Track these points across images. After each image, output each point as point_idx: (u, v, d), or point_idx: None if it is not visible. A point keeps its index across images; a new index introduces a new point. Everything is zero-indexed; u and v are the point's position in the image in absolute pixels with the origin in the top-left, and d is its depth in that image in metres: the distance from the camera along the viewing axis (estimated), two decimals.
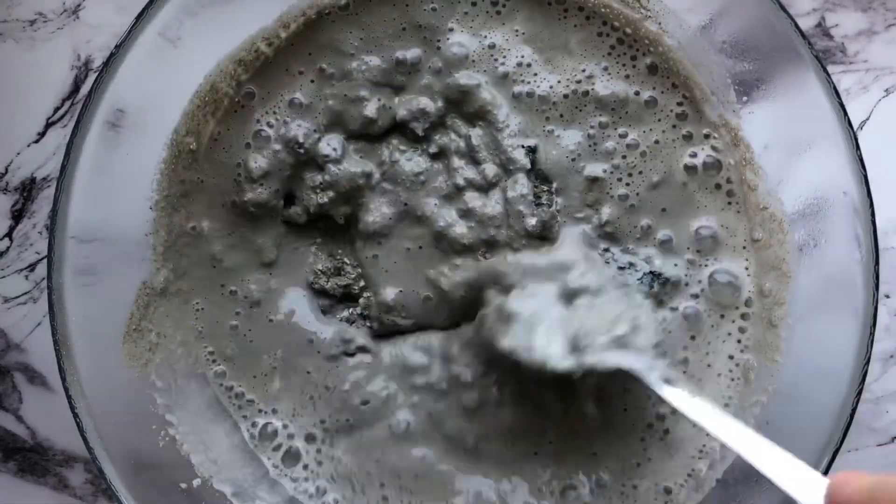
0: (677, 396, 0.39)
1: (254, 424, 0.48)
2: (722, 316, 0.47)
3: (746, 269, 0.47)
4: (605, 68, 0.47)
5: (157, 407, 0.46)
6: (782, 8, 0.41)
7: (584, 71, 0.47)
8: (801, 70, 0.42)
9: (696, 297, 0.47)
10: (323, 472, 0.48)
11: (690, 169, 0.47)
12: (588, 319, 0.42)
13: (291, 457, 0.48)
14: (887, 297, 0.52)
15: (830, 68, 0.51)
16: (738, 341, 0.47)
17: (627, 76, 0.47)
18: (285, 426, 0.48)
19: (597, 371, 0.41)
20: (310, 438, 0.48)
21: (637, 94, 0.47)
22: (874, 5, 0.52)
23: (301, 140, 0.47)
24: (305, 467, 0.48)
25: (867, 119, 0.52)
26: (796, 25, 0.41)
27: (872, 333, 0.41)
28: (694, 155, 0.47)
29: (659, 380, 0.40)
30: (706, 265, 0.47)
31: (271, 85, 0.47)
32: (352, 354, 0.49)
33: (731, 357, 0.47)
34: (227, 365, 0.49)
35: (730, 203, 0.47)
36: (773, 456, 0.34)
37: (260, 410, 0.49)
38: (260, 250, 0.48)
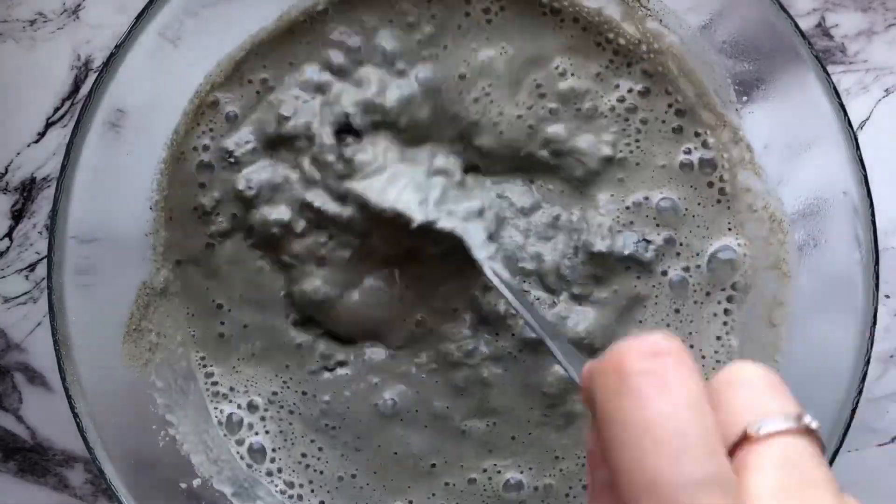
0: (496, 272, 0.42)
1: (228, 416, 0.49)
2: (708, 294, 0.47)
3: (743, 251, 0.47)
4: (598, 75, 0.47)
5: (157, 407, 0.46)
6: (782, 8, 0.41)
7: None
8: (801, 70, 0.42)
9: (686, 269, 0.47)
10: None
11: (686, 166, 0.47)
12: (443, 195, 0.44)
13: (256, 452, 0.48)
14: (887, 297, 0.52)
15: (830, 68, 0.51)
16: (724, 323, 0.47)
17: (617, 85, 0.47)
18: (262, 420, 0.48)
19: (434, 230, 0.43)
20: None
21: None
22: (874, 5, 0.52)
23: (231, 149, 0.46)
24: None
25: (867, 119, 0.52)
26: (796, 25, 0.41)
27: (872, 333, 0.41)
28: (689, 152, 0.47)
29: (485, 257, 0.43)
30: (709, 243, 0.47)
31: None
32: (332, 369, 0.48)
33: (718, 338, 0.47)
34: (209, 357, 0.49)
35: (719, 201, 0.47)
36: (557, 345, 0.37)
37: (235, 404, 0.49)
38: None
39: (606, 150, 0.46)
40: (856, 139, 0.41)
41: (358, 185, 0.45)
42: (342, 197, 0.45)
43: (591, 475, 0.26)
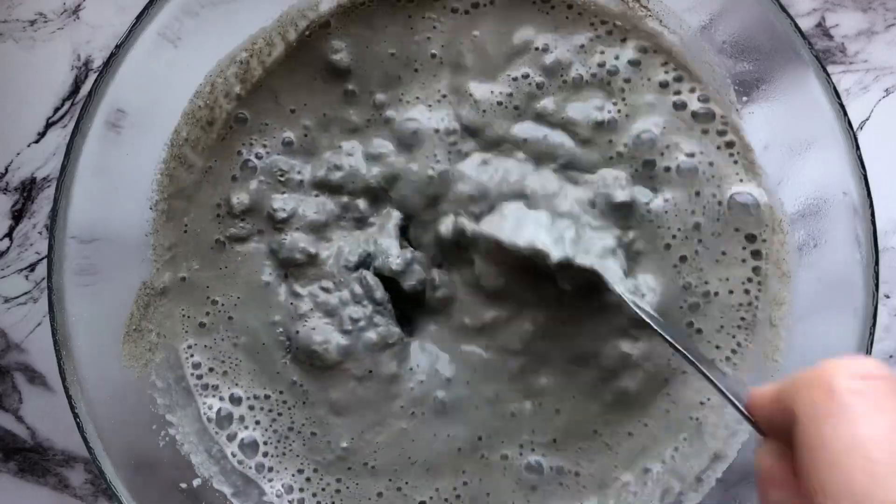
0: (640, 306, 0.42)
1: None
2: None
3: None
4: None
5: (157, 407, 0.46)
6: (782, 8, 0.41)
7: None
8: (801, 70, 0.42)
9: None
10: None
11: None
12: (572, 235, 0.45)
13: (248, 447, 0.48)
14: (887, 297, 0.52)
15: (830, 68, 0.51)
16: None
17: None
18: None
19: (573, 268, 0.43)
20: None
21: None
22: (874, 5, 0.52)
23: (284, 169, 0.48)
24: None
25: (867, 119, 0.52)
26: (796, 25, 0.41)
27: (872, 333, 0.41)
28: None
29: (625, 289, 0.43)
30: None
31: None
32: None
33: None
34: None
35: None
36: (710, 370, 0.37)
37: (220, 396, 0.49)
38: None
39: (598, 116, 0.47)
40: (856, 139, 0.41)
41: (487, 228, 0.45)
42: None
43: (765, 497, 0.26)
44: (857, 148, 0.41)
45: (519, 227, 0.44)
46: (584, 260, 0.43)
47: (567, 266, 0.43)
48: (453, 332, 0.47)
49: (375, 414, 0.47)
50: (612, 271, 0.44)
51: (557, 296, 0.45)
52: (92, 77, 0.53)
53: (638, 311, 0.42)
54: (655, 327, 0.41)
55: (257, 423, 0.48)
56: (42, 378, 0.53)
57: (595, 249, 0.44)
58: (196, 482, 0.46)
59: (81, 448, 0.42)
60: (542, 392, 0.47)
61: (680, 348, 0.39)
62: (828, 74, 0.41)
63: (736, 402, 0.33)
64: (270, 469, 0.48)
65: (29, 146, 0.53)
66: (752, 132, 0.46)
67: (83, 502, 0.53)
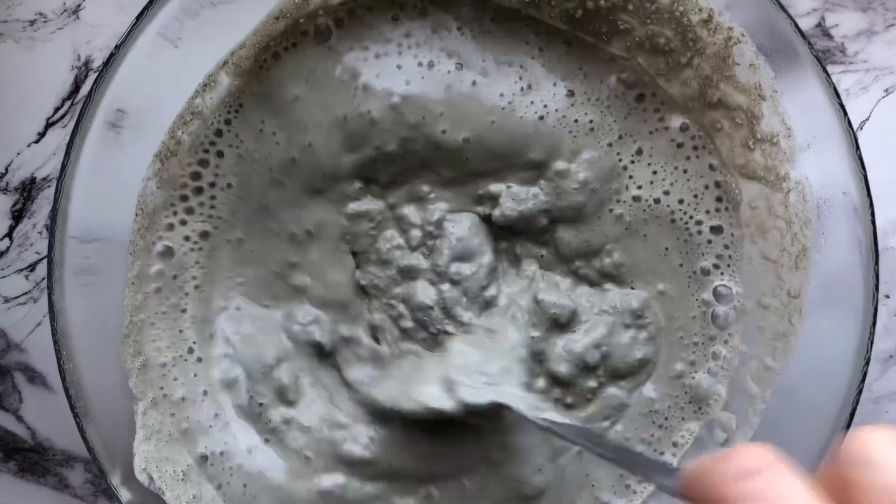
0: (550, 419, 0.41)
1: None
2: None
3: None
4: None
5: None
6: (782, 8, 0.41)
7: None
8: (801, 70, 0.42)
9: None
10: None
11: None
12: (457, 365, 0.44)
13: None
14: (887, 297, 0.52)
15: (830, 68, 0.51)
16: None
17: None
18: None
19: (474, 409, 0.42)
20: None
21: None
22: (874, 5, 0.52)
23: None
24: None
25: (867, 119, 0.52)
26: (796, 25, 0.41)
27: (872, 333, 0.41)
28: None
29: (532, 408, 0.42)
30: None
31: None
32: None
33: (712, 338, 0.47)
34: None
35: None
36: (635, 457, 0.37)
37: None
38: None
39: None
40: (856, 139, 0.41)
41: (378, 395, 0.46)
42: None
43: None
44: (857, 148, 0.41)
45: (408, 387, 0.44)
46: (478, 398, 0.42)
47: (469, 411, 0.43)
48: None
49: None
50: (510, 396, 0.43)
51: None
52: (92, 77, 0.53)
53: (549, 425, 0.41)
54: (569, 437, 0.39)
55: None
56: (42, 378, 0.53)
57: (492, 372, 0.44)
58: None
59: (81, 448, 0.42)
60: None
61: (597, 450, 0.38)
62: (828, 74, 0.41)
63: (664, 485, 0.32)
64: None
65: (29, 146, 0.53)
66: None
67: (83, 502, 0.53)
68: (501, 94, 0.45)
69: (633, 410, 0.48)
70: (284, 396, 0.47)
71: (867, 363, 0.41)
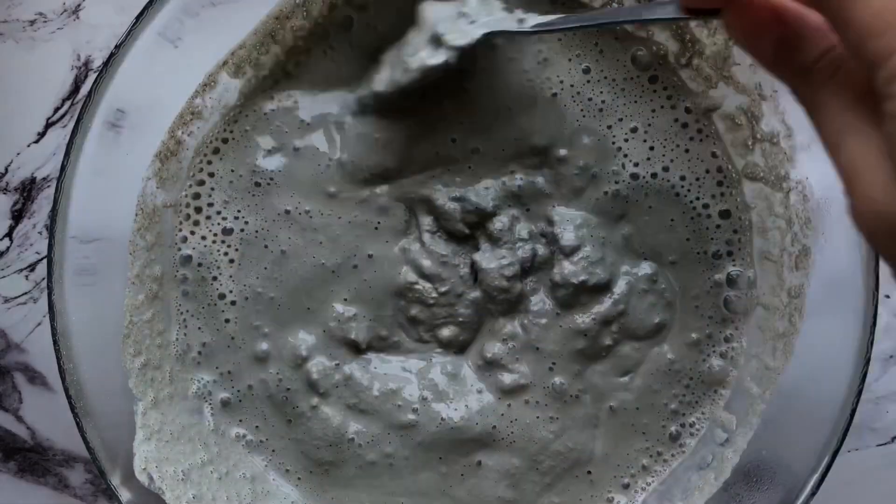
0: (538, 21, 0.41)
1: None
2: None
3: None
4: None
5: None
6: None
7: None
8: None
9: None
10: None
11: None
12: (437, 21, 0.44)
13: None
14: (887, 297, 0.52)
15: None
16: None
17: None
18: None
19: (465, 50, 0.42)
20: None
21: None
22: None
23: None
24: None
25: None
26: None
27: (872, 333, 0.41)
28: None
29: (518, 23, 0.42)
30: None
31: None
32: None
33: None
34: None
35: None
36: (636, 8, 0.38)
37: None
38: None
39: None
40: None
41: (376, 85, 0.45)
42: None
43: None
44: None
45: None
46: (467, 38, 0.42)
47: (462, 55, 0.43)
48: None
49: None
50: (494, 22, 0.42)
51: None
52: (92, 77, 0.53)
53: (542, 28, 0.41)
54: (567, 25, 0.41)
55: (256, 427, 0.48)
56: (42, 378, 0.53)
57: (471, 11, 0.43)
58: None
59: (81, 448, 0.42)
60: None
61: (595, 21, 0.40)
62: None
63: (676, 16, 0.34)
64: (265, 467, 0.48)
65: (29, 146, 0.53)
66: None
67: (83, 502, 0.53)
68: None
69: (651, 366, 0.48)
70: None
71: (867, 363, 0.41)
